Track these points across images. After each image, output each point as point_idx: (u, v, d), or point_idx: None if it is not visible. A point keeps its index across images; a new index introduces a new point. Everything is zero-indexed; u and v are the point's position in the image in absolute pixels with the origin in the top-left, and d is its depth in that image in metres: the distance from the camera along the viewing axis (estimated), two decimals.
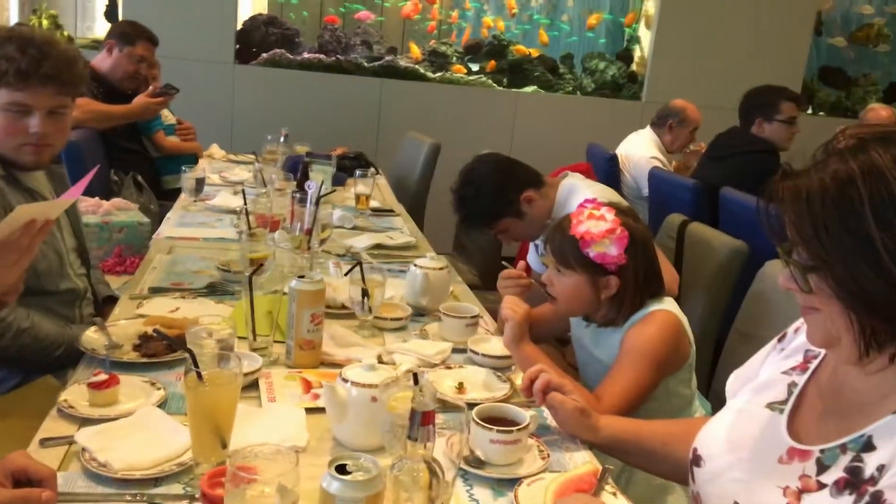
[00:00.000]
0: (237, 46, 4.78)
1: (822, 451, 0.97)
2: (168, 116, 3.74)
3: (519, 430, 1.26)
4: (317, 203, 2.15)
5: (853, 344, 0.93)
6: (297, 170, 2.99)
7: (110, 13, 4.96)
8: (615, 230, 1.61)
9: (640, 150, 4.13)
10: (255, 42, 4.96)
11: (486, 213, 2.35)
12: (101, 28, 5.17)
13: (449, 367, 1.63)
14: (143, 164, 3.55)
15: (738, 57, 5.05)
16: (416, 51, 5.30)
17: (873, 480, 0.88)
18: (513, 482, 1.21)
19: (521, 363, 1.59)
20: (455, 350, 1.73)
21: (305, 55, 4.97)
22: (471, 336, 1.76)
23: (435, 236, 3.81)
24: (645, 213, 3.86)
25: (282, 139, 3.52)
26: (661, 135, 4.21)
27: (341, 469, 0.89)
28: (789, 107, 3.58)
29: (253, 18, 5.09)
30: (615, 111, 5.12)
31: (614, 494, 1.20)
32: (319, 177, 2.97)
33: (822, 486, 0.94)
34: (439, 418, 1.26)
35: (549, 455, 1.30)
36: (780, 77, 4.71)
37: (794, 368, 1.12)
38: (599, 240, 1.60)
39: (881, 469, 0.88)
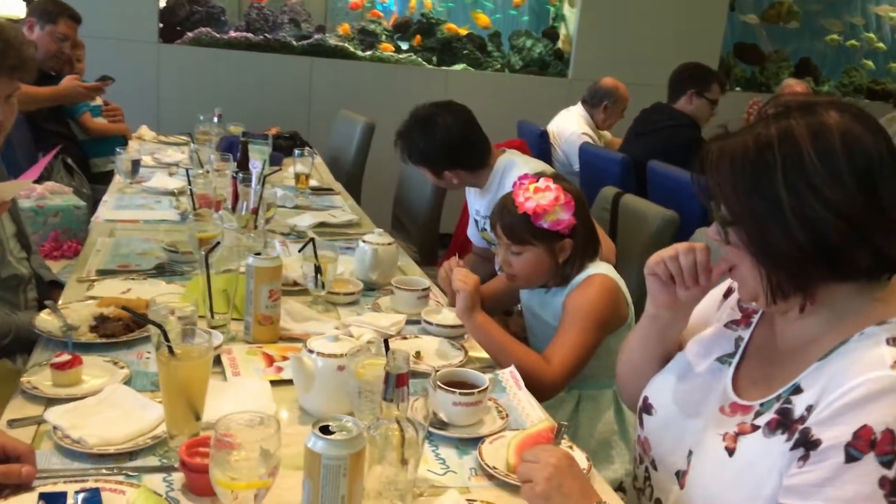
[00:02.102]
0: (161, 25, 4.66)
1: (760, 405, 1.06)
2: (95, 98, 3.64)
3: (479, 392, 1.33)
4: (262, 182, 2.16)
5: (762, 295, 1.03)
6: (234, 150, 2.97)
7: None
8: (560, 196, 1.69)
9: (571, 126, 4.24)
10: (179, 20, 4.85)
11: (436, 160, 2.41)
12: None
13: (405, 338, 1.68)
14: (71, 146, 3.45)
15: (659, 35, 5.21)
16: (346, 28, 5.27)
17: (802, 419, 0.98)
18: (475, 441, 1.28)
19: (473, 332, 1.66)
20: (408, 322, 1.79)
21: (232, 34, 4.89)
22: (423, 308, 1.82)
23: (372, 214, 3.84)
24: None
25: (215, 119, 3.48)
26: (594, 113, 4.33)
27: (325, 430, 0.94)
28: (717, 89, 3.75)
29: None
30: (543, 88, 5.23)
31: (570, 448, 1.28)
32: (258, 157, 2.97)
33: (755, 428, 1.04)
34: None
35: (507, 415, 1.38)
36: (699, 53, 4.89)
37: (737, 323, 1.21)
38: (551, 209, 1.68)
39: (809, 409, 0.98)
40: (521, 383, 1.51)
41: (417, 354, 1.60)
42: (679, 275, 1.17)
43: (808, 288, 1.01)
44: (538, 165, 2.41)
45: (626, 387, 1.39)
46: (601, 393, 1.82)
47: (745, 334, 1.19)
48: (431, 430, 1.30)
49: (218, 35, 4.83)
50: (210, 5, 4.96)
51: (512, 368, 1.55)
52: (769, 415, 1.03)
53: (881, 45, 6.40)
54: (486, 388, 1.35)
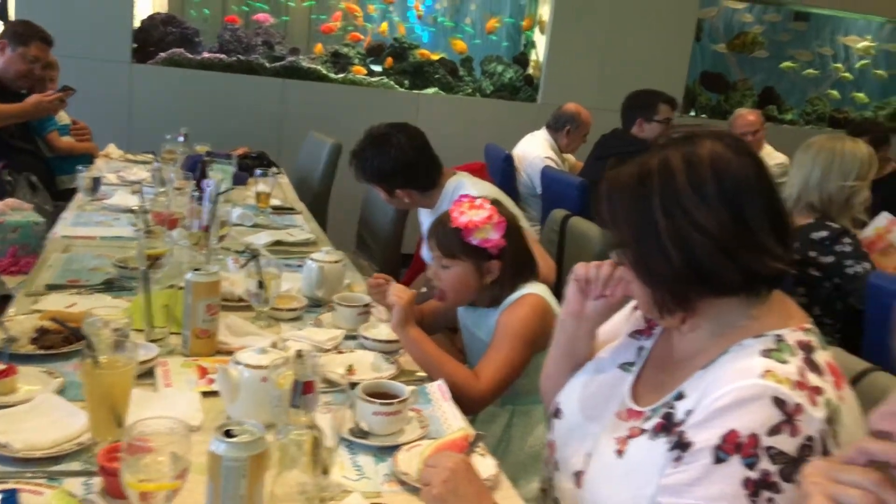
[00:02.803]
0: (134, 45, 4.73)
1: (651, 411, 1.13)
2: (62, 117, 3.69)
3: (399, 402, 1.39)
4: (214, 201, 2.22)
5: (652, 310, 1.11)
6: (197, 169, 3.04)
7: (0, 12, 4.82)
8: (493, 217, 1.77)
9: (534, 150, 4.33)
10: (153, 41, 4.92)
11: (389, 178, 2.49)
12: None
13: (340, 352, 1.74)
14: (37, 164, 3.50)
15: (627, 62, 5.34)
16: (320, 48, 5.36)
17: (682, 423, 1.05)
18: (393, 449, 1.34)
19: (406, 345, 1.72)
20: (348, 337, 1.85)
21: (206, 55, 4.97)
22: (363, 323, 1.89)
23: (338, 234, 3.91)
24: (539, 209, 4.08)
25: (180, 139, 3.54)
26: (558, 138, 4.43)
27: (228, 433, 1.00)
28: (666, 108, 3.86)
29: (151, 17, 5.04)
30: (512, 113, 5.33)
31: (482, 455, 1.35)
32: (219, 176, 3.03)
33: (643, 431, 1.11)
34: (328, 397, 1.38)
35: (428, 425, 1.44)
36: (665, 81, 5.03)
37: (640, 332, 1.29)
38: (482, 226, 1.76)
39: (688, 413, 1.05)
40: (448, 396, 1.57)
41: (350, 368, 1.66)
42: (589, 283, 1.25)
43: (688, 303, 1.08)
44: (486, 188, 2.48)
45: (545, 396, 1.46)
46: (533, 408, 1.88)
47: (648, 344, 1.26)
48: (352, 438, 1.36)
49: (191, 56, 4.91)
50: (184, 26, 5.04)
51: (440, 381, 1.61)
52: (655, 419, 1.10)
53: (847, 74, 6.56)
54: (407, 399, 1.41)
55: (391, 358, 1.72)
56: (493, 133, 4.92)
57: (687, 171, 1.05)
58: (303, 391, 1.08)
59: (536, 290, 1.85)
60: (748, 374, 1.00)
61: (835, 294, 2.64)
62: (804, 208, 2.73)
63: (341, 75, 5.20)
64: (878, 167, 4.22)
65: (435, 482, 1.10)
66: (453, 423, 1.48)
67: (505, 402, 1.89)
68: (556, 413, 1.32)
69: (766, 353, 1.02)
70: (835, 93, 6.50)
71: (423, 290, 1.87)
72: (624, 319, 1.37)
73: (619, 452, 1.12)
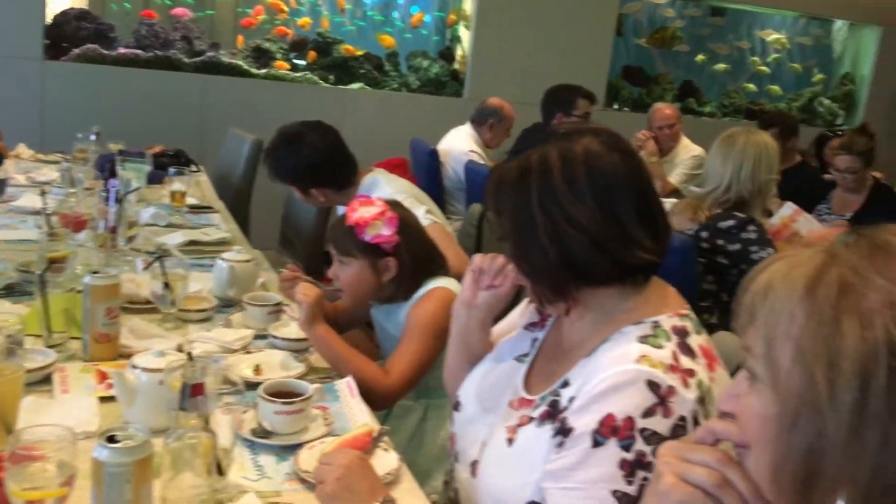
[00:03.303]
0: (46, 42, 4.57)
1: (540, 399, 1.16)
2: None
3: (301, 400, 1.39)
4: (120, 201, 2.17)
5: (533, 300, 1.14)
6: (105, 168, 2.96)
7: None
8: (385, 213, 1.78)
9: (459, 144, 4.36)
10: (66, 37, 4.76)
11: (302, 178, 2.48)
12: None
13: (249, 352, 1.73)
14: None
15: (550, 56, 5.41)
16: (241, 41, 5.27)
17: (565, 409, 1.08)
18: (296, 448, 1.34)
19: (315, 343, 1.72)
20: (259, 336, 1.83)
21: (121, 50, 4.84)
22: (274, 322, 1.87)
23: (261, 232, 3.87)
24: (464, 203, 4.10)
25: (92, 137, 3.45)
26: (482, 132, 4.46)
27: (111, 439, 0.98)
28: (584, 103, 3.93)
29: (63, 13, 4.87)
30: (438, 108, 5.35)
31: (386, 450, 1.36)
32: (132, 175, 2.96)
33: (531, 419, 1.14)
34: (232, 398, 1.37)
35: (333, 422, 1.45)
36: (588, 75, 5.13)
37: (535, 325, 1.33)
38: (372, 222, 1.76)
39: (571, 400, 1.08)
40: (356, 392, 1.58)
41: (257, 368, 1.65)
42: (482, 273, 1.29)
43: (567, 294, 1.12)
44: (401, 185, 2.49)
45: (447, 389, 1.49)
46: (447, 402, 1.88)
47: (540, 335, 1.30)
48: (254, 439, 1.36)
49: (106, 52, 4.77)
50: (99, 21, 4.90)
51: (349, 378, 1.61)
52: (543, 407, 1.13)
53: (765, 68, 6.78)
54: (310, 397, 1.41)
55: (300, 356, 1.72)
56: (420, 128, 4.93)
57: (562, 168, 1.08)
58: (191, 393, 1.07)
59: (445, 283, 1.87)
60: (625, 360, 1.04)
61: (741, 280, 2.74)
62: (726, 200, 2.82)
63: (263, 70, 5.13)
64: (787, 158, 4.42)
65: (328, 479, 1.11)
66: (360, 419, 1.49)
67: (419, 396, 1.90)
68: (457, 406, 1.34)
69: (643, 339, 1.06)
70: (752, 86, 6.72)
71: (340, 290, 1.87)
72: (520, 313, 1.40)
73: (510, 441, 1.15)
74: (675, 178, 4.63)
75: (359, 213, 1.78)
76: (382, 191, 2.37)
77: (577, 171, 1.07)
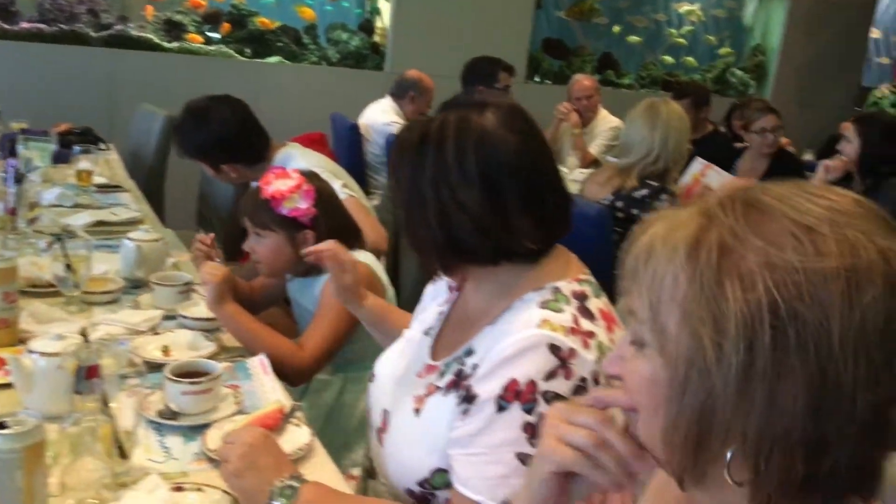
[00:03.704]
0: None
1: (444, 366, 1.18)
2: None
3: (209, 380, 1.37)
4: (19, 181, 2.08)
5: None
6: (5, 147, 2.82)
7: None
8: (301, 185, 1.75)
9: (380, 117, 4.32)
10: None
11: (212, 154, 2.42)
12: None
13: (157, 333, 1.69)
14: None
15: (471, 29, 5.39)
16: (151, 11, 5.07)
17: (469, 377, 1.09)
18: (204, 428, 1.32)
19: (224, 322, 1.69)
20: (169, 317, 1.79)
21: (24, 25, 4.60)
22: (183, 302, 1.83)
23: (177, 211, 3.76)
24: (387, 177, 4.08)
25: None
26: (402, 105, 4.43)
27: (1, 425, 0.95)
28: (505, 76, 3.94)
29: None
30: (359, 81, 5.28)
31: (298, 426, 1.35)
32: (34, 154, 2.84)
33: (437, 388, 1.15)
34: (135, 380, 1.34)
35: (243, 400, 1.43)
36: (508, 48, 5.13)
37: (445, 301, 1.33)
38: (289, 195, 1.74)
39: (474, 367, 1.09)
40: (269, 369, 1.56)
41: (165, 349, 1.61)
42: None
43: (455, 270, 1.14)
44: (316, 159, 2.46)
45: None
46: (365, 375, 1.89)
47: (446, 308, 1.31)
48: (162, 420, 1.33)
49: (7, 27, 4.53)
50: None
51: (261, 356, 1.59)
52: (449, 376, 1.14)
53: (681, 40, 6.92)
54: (218, 377, 1.39)
55: (211, 336, 1.69)
56: (340, 103, 4.86)
57: (456, 146, 1.07)
58: (87, 376, 1.04)
59: (360, 257, 1.86)
60: (527, 325, 1.05)
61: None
62: (654, 169, 2.88)
63: (175, 44, 4.97)
64: (700, 127, 4.55)
65: (232, 457, 1.10)
66: (272, 396, 1.48)
67: (336, 370, 1.90)
68: (371, 378, 1.35)
69: (544, 305, 1.08)
70: (669, 58, 6.86)
71: (258, 262, 1.84)
72: (433, 285, 1.41)
73: (417, 411, 1.16)
74: (594, 148, 4.70)
75: (274, 185, 1.75)
76: (296, 164, 2.32)
77: (469, 152, 1.06)
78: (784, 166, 3.79)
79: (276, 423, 1.34)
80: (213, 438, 1.28)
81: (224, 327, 1.71)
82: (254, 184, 2.65)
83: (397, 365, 1.31)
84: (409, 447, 1.15)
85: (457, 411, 1.08)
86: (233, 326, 1.67)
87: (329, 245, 1.52)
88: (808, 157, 5.03)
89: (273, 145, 2.51)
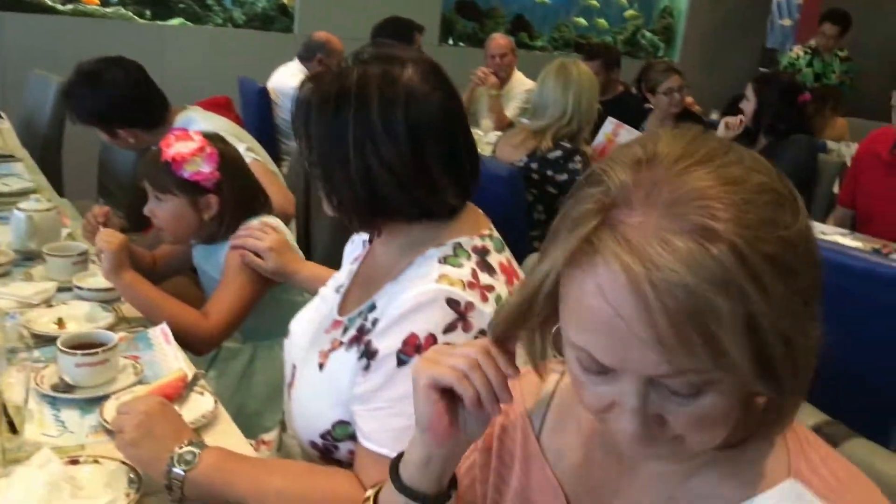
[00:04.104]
0: None
1: (348, 321, 1.17)
2: None
3: (104, 350, 1.31)
4: None
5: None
6: None
7: None
8: (204, 148, 1.69)
9: (289, 80, 4.20)
10: None
11: (106, 118, 2.32)
12: None
13: (51, 306, 1.61)
14: None
15: None
16: None
17: (370, 332, 1.09)
18: (101, 399, 1.27)
19: (123, 292, 1.63)
20: (64, 289, 1.71)
21: None
22: (79, 273, 1.75)
23: (76, 182, 3.59)
24: None
25: None
26: (311, 68, 4.32)
27: None
28: (419, 37, 3.89)
29: None
30: (267, 44, 5.13)
31: (201, 394, 1.32)
32: None
33: (341, 343, 1.14)
34: (35, 353, 1.27)
35: (143, 370, 1.38)
36: (421, 9, 5.07)
37: (357, 258, 1.32)
38: (191, 158, 1.68)
39: (374, 322, 1.09)
40: (171, 338, 1.51)
41: (60, 321, 1.54)
42: None
43: (373, 225, 1.13)
44: (219, 123, 2.38)
45: None
46: (276, 342, 1.86)
47: (356, 266, 1.30)
48: (56, 394, 1.27)
49: None
50: None
51: (163, 325, 1.54)
52: (352, 332, 1.13)
53: (595, 2, 6.98)
54: (114, 347, 1.33)
55: (109, 307, 1.62)
56: (248, 66, 4.70)
57: (381, 104, 1.03)
58: None
59: (268, 221, 1.81)
60: (426, 281, 1.05)
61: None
62: (568, 131, 2.90)
63: (69, 6, 4.70)
64: (611, 88, 4.62)
65: (127, 427, 1.06)
66: (175, 365, 1.43)
67: (246, 338, 1.86)
68: (287, 334, 1.34)
69: (443, 260, 1.08)
70: (581, 20, 6.92)
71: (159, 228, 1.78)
72: (352, 248, 1.39)
73: (321, 366, 1.15)
74: (509, 111, 4.72)
75: (175, 147, 1.68)
76: (198, 128, 2.22)
77: (397, 110, 1.03)
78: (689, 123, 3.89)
79: (178, 391, 1.30)
80: (111, 410, 1.23)
81: (123, 297, 1.65)
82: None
83: (310, 322, 1.30)
84: (312, 401, 1.15)
85: (358, 366, 1.07)
86: (131, 296, 1.61)
87: (240, 242, 1.57)
88: (714, 116, 5.18)
89: (173, 109, 2.42)
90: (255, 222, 1.74)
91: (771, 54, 7.27)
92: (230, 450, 1.10)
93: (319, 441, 1.13)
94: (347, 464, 1.11)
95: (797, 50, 5.99)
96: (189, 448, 1.04)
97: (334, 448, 1.12)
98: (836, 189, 3.60)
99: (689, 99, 4.25)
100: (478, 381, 0.72)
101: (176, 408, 1.23)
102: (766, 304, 0.56)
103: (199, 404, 1.29)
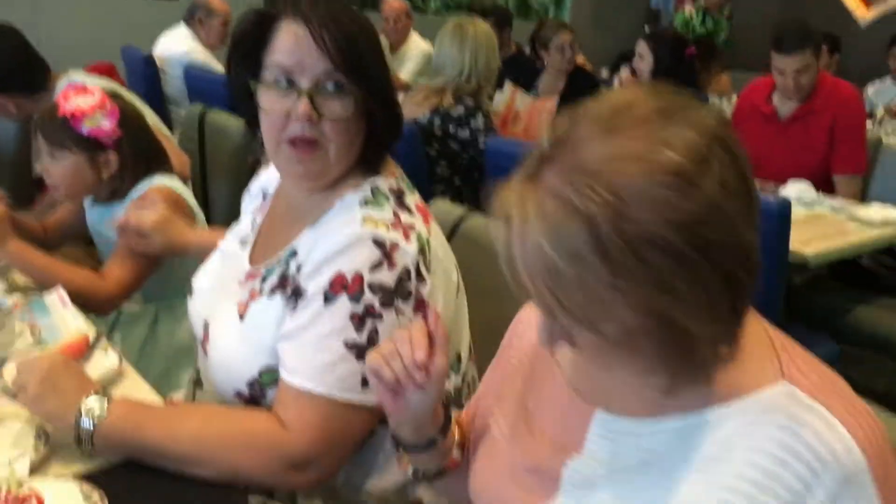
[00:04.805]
0: None
1: (265, 270, 1.18)
2: None
3: None
4: None
5: None
6: None
7: None
8: (105, 104, 1.64)
9: (175, 46, 4.07)
10: None
11: None
12: None
13: None
14: None
15: None
16: None
17: (294, 277, 1.11)
18: (1, 365, 1.23)
19: (11, 261, 1.57)
20: None
21: None
22: None
23: None
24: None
25: None
26: (197, 31, 4.20)
27: None
28: None
29: None
30: (151, 10, 4.93)
31: (106, 351, 1.30)
32: None
33: (261, 292, 1.15)
34: None
35: (40, 334, 1.35)
36: None
37: (257, 209, 1.33)
38: (91, 114, 1.62)
39: (298, 268, 1.11)
40: (68, 302, 1.47)
41: None
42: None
43: None
44: (104, 85, 2.28)
45: None
46: (178, 303, 1.83)
47: (259, 217, 1.30)
48: None
49: None
50: None
51: (59, 289, 1.50)
52: (272, 279, 1.15)
53: None
54: (9, 312, 1.30)
55: None
56: (132, 34, 4.50)
57: None
58: None
59: (165, 181, 1.78)
60: (351, 224, 1.08)
61: (471, 165, 2.92)
62: (467, 88, 2.93)
63: None
64: (503, 48, 4.69)
65: (30, 384, 1.04)
66: (74, 326, 1.40)
67: (147, 299, 1.83)
68: (190, 291, 1.34)
69: (365, 203, 1.12)
70: None
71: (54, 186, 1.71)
72: (249, 199, 1.39)
73: (241, 316, 1.16)
74: (405, 74, 4.73)
75: (74, 102, 1.61)
76: None
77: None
78: (580, 82, 4.02)
79: (81, 351, 1.28)
80: (11, 371, 1.20)
81: (13, 266, 1.59)
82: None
83: (215, 277, 1.30)
84: (234, 351, 1.15)
85: (284, 311, 1.09)
86: (20, 264, 1.56)
87: (124, 223, 1.54)
88: (604, 74, 5.35)
89: (53, 74, 2.32)
90: (137, 197, 1.70)
91: (655, 13, 7.51)
92: (137, 400, 1.09)
93: (246, 390, 1.13)
94: None
95: (689, 9, 6.21)
96: (96, 399, 1.03)
97: (261, 396, 1.13)
98: None
99: (580, 57, 4.37)
100: (396, 367, 0.83)
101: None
102: (615, 277, 0.62)
103: (104, 362, 1.27)
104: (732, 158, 0.65)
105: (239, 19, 1.14)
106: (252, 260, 1.23)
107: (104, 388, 1.13)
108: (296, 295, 1.09)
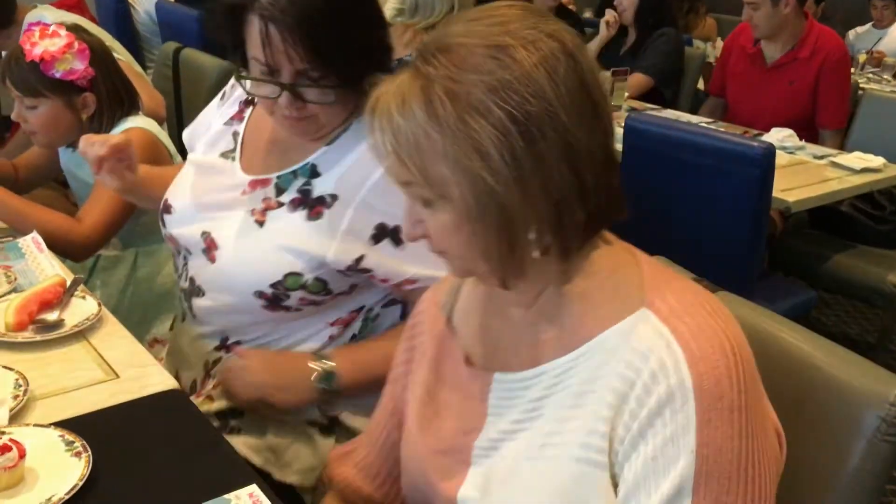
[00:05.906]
0: None
1: (278, 178, 1.19)
2: None
3: None
4: None
5: None
6: None
7: None
8: (73, 44, 1.58)
9: None
10: None
11: None
12: None
13: None
14: None
15: None
16: None
17: (326, 204, 1.15)
18: None
19: None
20: None
21: None
22: None
23: None
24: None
25: None
26: None
27: None
28: None
29: None
30: None
31: (83, 298, 1.28)
32: None
33: (281, 204, 1.18)
34: None
35: (16, 279, 1.32)
36: None
37: (233, 118, 1.30)
38: (61, 56, 1.56)
39: (333, 198, 1.15)
40: (43, 246, 1.44)
41: None
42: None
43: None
44: (73, 19, 2.21)
45: None
46: (158, 248, 1.81)
47: (241, 128, 1.28)
48: None
49: None
50: None
51: (34, 234, 1.47)
52: (292, 194, 1.18)
53: None
54: None
55: None
56: None
57: None
58: None
59: (140, 123, 1.73)
60: None
61: None
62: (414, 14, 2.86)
63: None
64: None
65: (264, 385, 1.17)
66: (50, 272, 1.37)
67: (126, 245, 1.81)
68: (167, 209, 1.29)
69: None
70: None
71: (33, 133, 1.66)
72: (214, 110, 1.36)
73: (260, 223, 1.18)
74: (387, 12, 4.59)
75: (42, 45, 1.55)
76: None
77: None
78: (562, 18, 3.92)
79: (57, 296, 1.26)
80: None
81: None
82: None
83: (198, 190, 1.26)
84: (255, 254, 1.17)
85: (311, 230, 1.14)
86: None
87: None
88: (587, 15, 5.27)
89: (21, 8, 2.23)
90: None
91: None
92: (348, 348, 1.22)
93: (269, 290, 1.16)
94: (296, 310, 1.17)
95: None
96: (320, 363, 1.16)
97: (285, 296, 1.16)
98: (700, 86, 3.77)
99: None
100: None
101: (57, 312, 1.21)
102: (442, 136, 0.69)
103: (82, 308, 1.25)
104: (572, 63, 0.70)
105: (209, 10, 1.14)
106: (248, 169, 1.23)
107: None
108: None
